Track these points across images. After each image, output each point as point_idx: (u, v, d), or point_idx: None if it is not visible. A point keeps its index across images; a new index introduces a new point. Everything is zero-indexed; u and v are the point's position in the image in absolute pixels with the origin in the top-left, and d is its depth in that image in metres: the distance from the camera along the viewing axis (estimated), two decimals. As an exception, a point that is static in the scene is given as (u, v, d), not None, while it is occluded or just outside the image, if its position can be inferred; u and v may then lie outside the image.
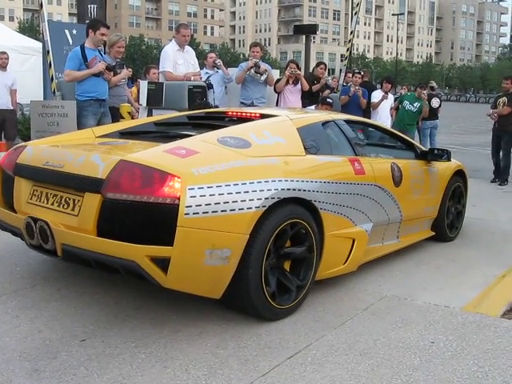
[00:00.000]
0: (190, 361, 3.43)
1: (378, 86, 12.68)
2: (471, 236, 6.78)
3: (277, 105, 10.03)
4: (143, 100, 8.03)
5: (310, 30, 17.20)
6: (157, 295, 4.31)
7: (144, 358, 3.44)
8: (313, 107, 9.48)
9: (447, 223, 6.47)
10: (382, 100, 11.21)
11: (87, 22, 11.36)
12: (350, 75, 11.71)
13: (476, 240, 6.62)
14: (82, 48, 7.54)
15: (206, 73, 9.56)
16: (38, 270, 4.96)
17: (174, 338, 3.72)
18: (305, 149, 4.57)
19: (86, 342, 3.62)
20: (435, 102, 13.07)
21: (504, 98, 11.17)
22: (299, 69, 10.11)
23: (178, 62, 8.70)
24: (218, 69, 9.69)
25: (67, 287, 4.57)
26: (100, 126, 6.60)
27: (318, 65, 11.17)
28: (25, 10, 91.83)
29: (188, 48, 8.98)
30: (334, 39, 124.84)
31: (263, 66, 9.55)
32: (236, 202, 3.68)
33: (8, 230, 4.44)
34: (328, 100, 9.43)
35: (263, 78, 9.43)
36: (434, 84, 14.81)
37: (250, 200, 3.73)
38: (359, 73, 11.36)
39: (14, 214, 4.27)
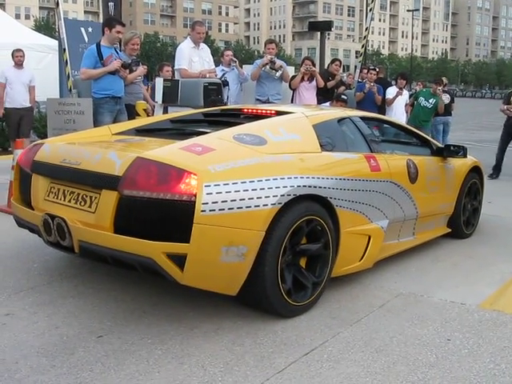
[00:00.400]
0: (207, 357, 3.44)
1: (393, 82, 12.62)
2: (488, 233, 6.75)
3: (292, 102, 10.03)
4: (159, 97, 8.05)
5: (324, 27, 17.16)
6: (173, 292, 4.32)
7: (160, 355, 3.46)
8: (327, 104, 9.46)
9: (463, 220, 6.44)
10: (396, 96, 11.18)
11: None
12: (365, 71, 11.69)
13: (492, 237, 6.58)
14: (98, 46, 7.57)
15: (222, 70, 9.57)
16: (55, 267, 4.99)
17: (190, 334, 3.74)
18: (320, 146, 4.57)
19: (103, 338, 3.64)
20: (445, 98, 12.96)
21: None
22: (314, 65, 10.10)
23: (193, 59, 8.73)
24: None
25: (84, 284, 4.60)
26: (116, 123, 6.62)
27: (332, 61, 11.17)
28: (41, 8, 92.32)
29: (203, 45, 9.00)
30: (348, 36, 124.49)
31: (278, 62, 9.55)
32: (252, 198, 3.68)
33: (25, 227, 4.48)
34: (342, 97, 9.42)
35: (278, 74, 9.44)
36: (443, 80, 14.63)
37: (265, 197, 3.73)
38: (374, 69, 11.33)
39: (32, 211, 4.31)
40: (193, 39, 8.81)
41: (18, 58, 11.24)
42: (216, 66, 9.49)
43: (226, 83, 8.73)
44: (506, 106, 11.11)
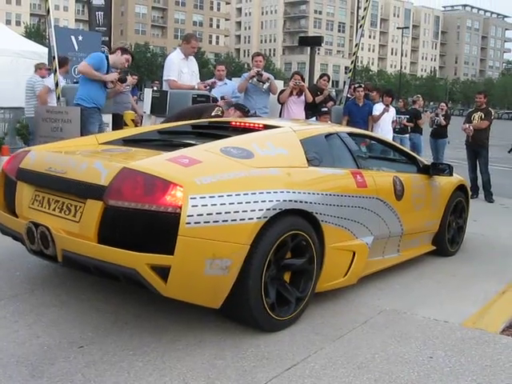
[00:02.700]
0: (188, 370, 3.42)
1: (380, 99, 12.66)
2: (472, 251, 6.77)
3: (280, 116, 10.03)
4: (147, 108, 8.05)
5: (314, 42, 17.23)
6: (156, 303, 4.30)
7: (141, 367, 3.43)
8: (313, 119, 9.48)
9: (448, 238, 6.46)
10: (383, 113, 11.22)
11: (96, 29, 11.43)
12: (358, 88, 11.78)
13: (477, 255, 6.61)
14: (107, 58, 7.69)
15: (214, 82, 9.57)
16: (38, 276, 4.96)
17: (172, 346, 3.72)
18: (307, 160, 4.57)
19: (84, 348, 3.62)
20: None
21: (479, 112, 11.17)
22: (303, 80, 10.12)
23: (182, 70, 8.75)
24: (227, 80, 9.77)
25: (67, 293, 4.56)
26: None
27: (321, 76, 11.19)
28: (32, 15, 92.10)
29: (191, 57, 9.02)
30: (338, 51, 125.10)
31: (265, 74, 9.54)
32: (237, 212, 3.68)
33: (9, 235, 4.44)
34: (323, 109, 9.49)
35: (266, 86, 9.42)
36: (414, 98, 14.47)
37: (251, 210, 3.73)
38: (360, 86, 11.41)
39: (16, 219, 4.28)
40: (183, 51, 8.81)
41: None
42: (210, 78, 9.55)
43: (215, 100, 8.81)
44: (467, 125, 11.15)
